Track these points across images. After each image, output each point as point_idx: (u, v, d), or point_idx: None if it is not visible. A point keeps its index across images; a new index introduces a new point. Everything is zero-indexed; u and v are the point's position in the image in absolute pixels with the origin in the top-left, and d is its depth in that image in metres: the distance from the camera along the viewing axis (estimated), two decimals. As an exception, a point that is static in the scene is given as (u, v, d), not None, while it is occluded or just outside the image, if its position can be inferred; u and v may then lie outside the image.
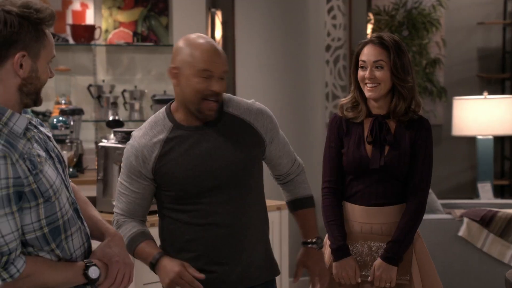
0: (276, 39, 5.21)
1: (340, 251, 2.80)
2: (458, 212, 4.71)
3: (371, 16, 6.80)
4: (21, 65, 2.00)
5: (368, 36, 6.73)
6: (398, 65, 2.78)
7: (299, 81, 5.23)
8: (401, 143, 2.78)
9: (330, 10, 6.21)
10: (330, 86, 6.20)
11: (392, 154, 2.77)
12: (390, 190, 2.79)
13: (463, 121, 5.89)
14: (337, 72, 6.27)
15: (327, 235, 2.89)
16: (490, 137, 5.94)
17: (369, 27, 6.75)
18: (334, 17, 6.24)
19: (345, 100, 2.88)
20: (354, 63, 2.85)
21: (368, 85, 2.79)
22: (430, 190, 3.88)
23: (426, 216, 3.34)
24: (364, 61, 2.81)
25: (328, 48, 6.15)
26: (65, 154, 4.39)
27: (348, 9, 6.24)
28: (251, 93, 5.36)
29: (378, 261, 2.77)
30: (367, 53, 2.80)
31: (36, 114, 5.12)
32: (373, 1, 6.93)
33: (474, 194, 6.00)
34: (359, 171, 2.79)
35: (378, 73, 2.78)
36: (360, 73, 2.82)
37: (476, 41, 7.12)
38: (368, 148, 2.79)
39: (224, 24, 6.03)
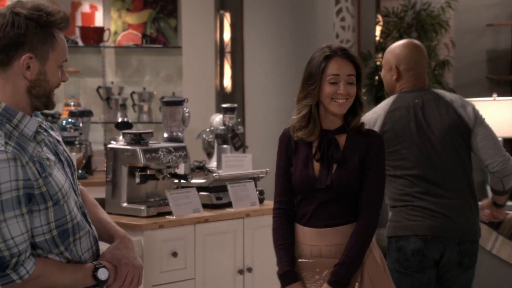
0: (285, 41, 5.21)
1: (288, 277, 2.63)
2: (467, 214, 4.69)
3: (379, 17, 6.79)
4: (28, 67, 2.01)
5: (377, 38, 6.75)
6: (362, 80, 2.67)
7: (308, 83, 5.22)
8: (349, 160, 2.62)
9: (338, 12, 6.20)
10: (338, 88, 6.20)
11: (339, 173, 2.61)
12: (340, 210, 2.63)
13: (472, 123, 5.86)
14: (346, 74, 6.26)
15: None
16: (500, 139, 5.91)
17: (378, 29, 6.75)
18: (342, 19, 6.23)
19: (296, 119, 2.66)
20: (317, 78, 2.61)
21: (339, 100, 2.61)
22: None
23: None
24: (337, 75, 2.61)
25: (336, 50, 6.14)
26: (74, 156, 4.39)
27: (356, 11, 6.23)
28: (259, 95, 5.36)
29: (325, 286, 2.59)
30: (339, 67, 2.61)
31: (45, 116, 5.13)
32: (382, 3, 6.92)
33: (483, 196, 5.98)
34: (307, 191, 2.65)
35: (349, 88, 2.61)
36: (331, 88, 2.61)
37: (485, 42, 7.10)
38: (316, 166, 2.64)
39: (232, 26, 6.03)
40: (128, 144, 3.57)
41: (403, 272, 3.16)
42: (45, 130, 2.12)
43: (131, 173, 3.53)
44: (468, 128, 3.19)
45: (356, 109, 2.66)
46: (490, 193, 4.99)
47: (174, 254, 3.44)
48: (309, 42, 5.25)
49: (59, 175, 2.04)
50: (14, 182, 1.93)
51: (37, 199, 1.99)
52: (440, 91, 3.30)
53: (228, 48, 5.93)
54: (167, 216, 3.49)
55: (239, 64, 5.94)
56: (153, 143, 3.60)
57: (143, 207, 3.49)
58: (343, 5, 6.23)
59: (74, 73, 5.67)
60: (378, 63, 6.66)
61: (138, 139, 3.56)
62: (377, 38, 6.72)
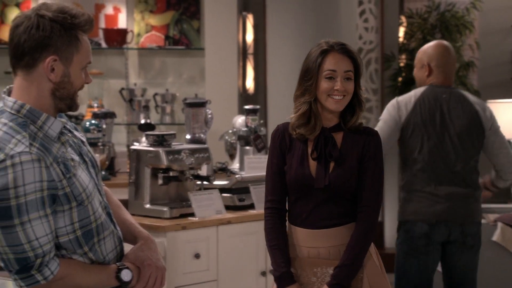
0: (308, 42, 5.19)
1: (284, 279, 2.55)
2: (492, 216, 4.65)
3: (403, 19, 6.75)
4: (52, 69, 2.02)
5: (400, 40, 6.71)
6: (360, 77, 2.58)
7: (331, 85, 5.21)
8: (347, 159, 2.54)
9: (362, 13, 6.17)
10: (361, 89, 6.16)
11: (337, 172, 2.52)
12: (337, 210, 2.54)
13: (497, 124, 5.81)
14: (369, 75, 6.22)
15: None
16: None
17: (401, 30, 6.71)
18: (366, 20, 6.20)
19: (295, 117, 2.57)
20: (314, 74, 2.54)
21: (336, 97, 2.52)
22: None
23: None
24: (333, 71, 2.53)
25: (360, 51, 6.11)
26: (98, 157, 4.42)
27: (380, 12, 6.20)
28: (282, 97, 5.35)
29: None
30: (336, 62, 2.53)
31: (69, 117, 5.13)
32: (406, 4, 6.88)
33: (509, 198, 5.92)
34: (303, 191, 2.55)
35: (347, 85, 2.53)
36: (327, 84, 2.53)
37: (510, 44, 7.03)
38: (312, 165, 2.54)
39: (255, 27, 6.03)
40: (151, 145, 3.58)
41: (410, 253, 3.54)
42: (70, 131, 2.13)
43: (154, 175, 3.54)
44: (484, 129, 3.59)
45: (355, 107, 2.57)
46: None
47: (197, 256, 3.44)
48: (332, 44, 5.23)
49: (83, 176, 2.05)
50: (38, 183, 1.94)
51: (61, 200, 1.99)
52: (466, 92, 3.68)
53: (250, 50, 5.93)
54: (189, 218, 3.50)
55: (261, 65, 5.93)
56: (175, 145, 3.60)
57: (165, 209, 3.49)
58: (366, 6, 6.20)
59: (98, 75, 5.70)
60: (401, 64, 6.62)
61: (161, 141, 3.57)
62: (401, 39, 6.67)
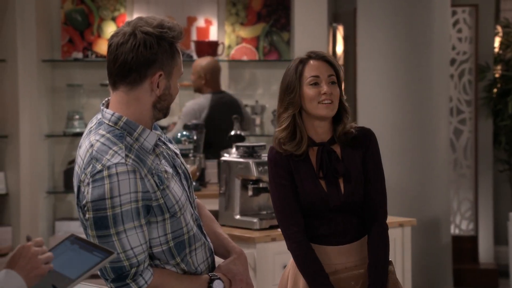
0: (399, 53, 5.12)
1: None
2: None
3: (499, 29, 6.56)
4: (157, 84, 2.06)
5: (496, 50, 6.52)
6: (342, 83, 2.52)
7: (422, 96, 5.11)
8: (352, 170, 2.49)
9: (455, 23, 6.04)
10: (454, 101, 6.02)
11: (348, 187, 2.48)
12: (356, 223, 2.51)
13: None
14: (462, 87, 6.08)
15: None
16: None
17: (497, 40, 6.52)
18: (459, 30, 6.07)
19: (280, 132, 2.50)
20: (296, 84, 2.50)
21: (326, 101, 2.46)
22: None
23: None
24: (317, 76, 2.48)
25: (453, 62, 5.98)
26: (189, 168, 4.48)
27: (474, 22, 6.06)
28: (372, 109, 5.30)
29: None
30: (317, 68, 2.49)
31: (161, 128, 5.25)
32: (502, 14, 6.68)
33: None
34: (319, 210, 2.48)
35: (333, 88, 2.48)
36: (313, 90, 2.47)
37: None
38: (323, 183, 2.48)
39: (345, 39, 6.00)
40: (241, 156, 3.60)
41: None
42: (164, 143, 2.17)
43: (244, 186, 3.56)
44: None
45: (342, 115, 2.51)
46: None
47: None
48: (424, 55, 5.14)
49: (176, 188, 2.08)
50: (133, 194, 1.98)
51: (155, 211, 2.03)
52: (227, 94, 5.35)
53: (340, 61, 5.90)
54: (279, 229, 3.48)
55: (352, 77, 5.89)
56: (265, 156, 3.61)
57: (255, 220, 3.50)
58: (460, 16, 6.07)
59: (189, 87, 5.79)
60: (497, 75, 6.43)
61: (251, 152, 3.59)
62: (496, 50, 6.49)
